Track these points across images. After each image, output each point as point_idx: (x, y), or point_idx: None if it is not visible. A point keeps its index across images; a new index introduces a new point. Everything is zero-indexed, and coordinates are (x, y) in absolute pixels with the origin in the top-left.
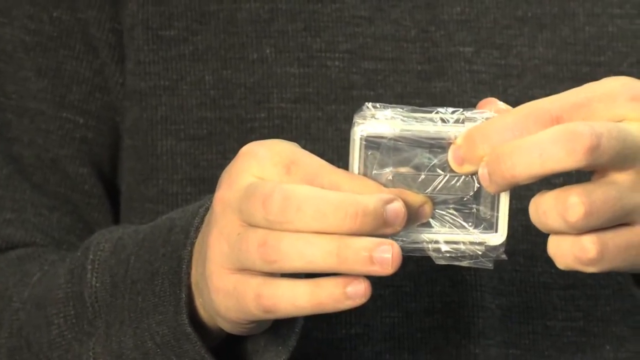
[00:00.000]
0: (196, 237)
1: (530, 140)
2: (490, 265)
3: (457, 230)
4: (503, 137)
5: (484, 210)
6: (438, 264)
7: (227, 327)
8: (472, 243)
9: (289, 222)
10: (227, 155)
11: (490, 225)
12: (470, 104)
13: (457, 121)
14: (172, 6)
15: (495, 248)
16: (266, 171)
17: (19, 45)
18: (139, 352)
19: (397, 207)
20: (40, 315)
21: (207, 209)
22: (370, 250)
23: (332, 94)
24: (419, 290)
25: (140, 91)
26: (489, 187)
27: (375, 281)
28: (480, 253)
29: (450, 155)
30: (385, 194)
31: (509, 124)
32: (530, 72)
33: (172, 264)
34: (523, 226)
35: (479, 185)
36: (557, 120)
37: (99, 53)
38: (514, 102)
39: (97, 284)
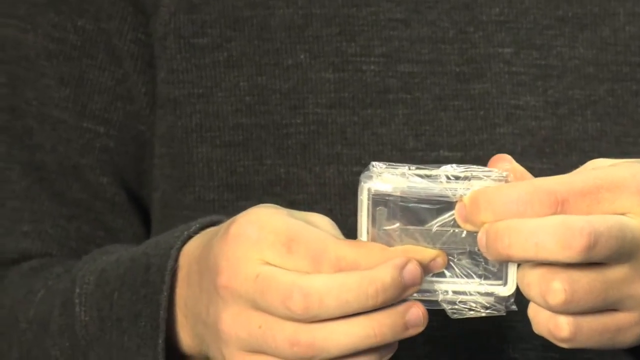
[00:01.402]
0: (175, 280)
1: (529, 226)
2: (503, 313)
3: (466, 280)
4: (506, 209)
5: (492, 262)
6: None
7: None
8: (480, 294)
9: (315, 317)
10: (263, 161)
11: (499, 277)
12: (510, 106)
13: (464, 179)
14: (204, 14)
15: (504, 299)
16: (266, 255)
17: (42, 53)
18: None
19: (412, 268)
20: (45, 340)
21: (179, 250)
22: (402, 319)
23: (368, 98)
24: None
25: (174, 99)
26: (485, 254)
27: None
28: (489, 304)
29: (456, 212)
30: (397, 258)
31: (514, 198)
32: (571, 72)
33: (152, 308)
34: None
35: None
36: (562, 204)
37: (122, 63)
38: (554, 103)
39: (87, 318)
